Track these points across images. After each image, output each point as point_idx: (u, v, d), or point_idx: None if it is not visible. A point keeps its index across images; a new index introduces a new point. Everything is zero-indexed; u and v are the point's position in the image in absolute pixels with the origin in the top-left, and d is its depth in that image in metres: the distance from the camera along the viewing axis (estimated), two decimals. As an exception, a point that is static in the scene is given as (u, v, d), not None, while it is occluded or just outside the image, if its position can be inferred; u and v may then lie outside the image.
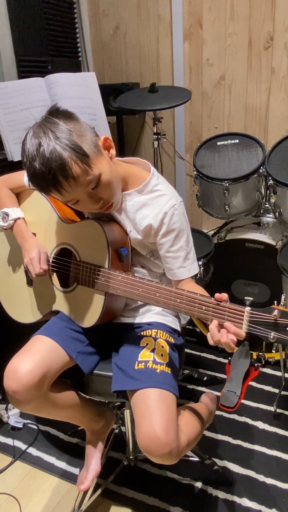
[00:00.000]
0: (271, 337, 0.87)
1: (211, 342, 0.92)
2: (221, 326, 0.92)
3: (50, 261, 1.20)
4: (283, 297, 0.93)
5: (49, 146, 0.92)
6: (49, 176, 0.94)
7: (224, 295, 0.94)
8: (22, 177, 1.26)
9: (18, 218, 1.23)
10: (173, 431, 0.99)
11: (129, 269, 1.17)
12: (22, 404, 1.05)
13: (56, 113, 0.98)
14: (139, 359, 1.09)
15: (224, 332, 0.90)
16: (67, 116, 0.99)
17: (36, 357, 1.05)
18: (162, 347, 1.13)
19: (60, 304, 1.20)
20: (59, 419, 1.21)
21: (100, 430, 1.32)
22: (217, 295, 0.94)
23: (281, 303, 0.91)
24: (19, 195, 1.30)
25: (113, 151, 1.08)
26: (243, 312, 0.91)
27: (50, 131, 0.93)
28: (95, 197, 1.03)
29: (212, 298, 0.95)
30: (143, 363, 1.08)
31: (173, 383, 1.07)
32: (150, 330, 1.17)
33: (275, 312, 0.87)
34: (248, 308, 0.91)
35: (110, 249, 1.08)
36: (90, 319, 1.13)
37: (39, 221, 1.24)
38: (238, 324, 0.91)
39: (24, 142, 0.96)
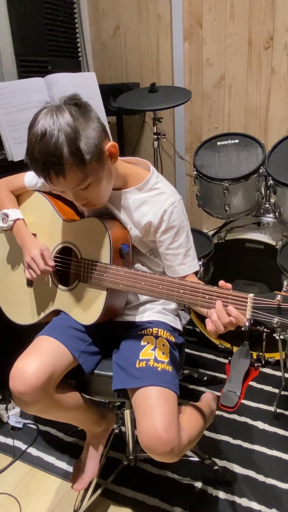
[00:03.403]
0: (275, 322, 0.88)
1: (210, 327, 0.93)
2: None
3: None
4: (285, 283, 0.93)
5: (52, 141, 0.92)
6: (43, 166, 0.95)
7: (228, 284, 0.95)
8: (22, 179, 1.27)
9: (18, 219, 1.23)
10: (174, 429, 0.99)
11: (130, 266, 1.17)
12: (28, 405, 1.04)
13: (75, 105, 0.97)
14: (140, 358, 1.09)
15: (223, 312, 0.91)
16: (82, 112, 0.97)
17: (42, 358, 1.05)
18: (163, 345, 1.13)
19: (61, 302, 1.20)
20: (63, 420, 1.20)
21: (101, 433, 1.32)
22: (221, 282, 0.95)
23: (284, 289, 0.91)
24: (20, 196, 1.30)
25: (114, 159, 1.06)
26: (247, 298, 0.91)
27: (59, 124, 0.93)
28: (80, 197, 1.05)
29: (216, 287, 0.95)
30: (144, 362, 1.08)
31: (174, 381, 1.07)
32: (151, 329, 1.17)
33: (278, 297, 0.88)
34: (251, 294, 0.91)
35: (112, 245, 1.09)
36: (92, 316, 1.13)
37: (40, 221, 1.24)
38: (242, 310, 0.91)
39: (35, 121, 0.95)
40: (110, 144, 1.03)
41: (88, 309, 1.14)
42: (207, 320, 0.95)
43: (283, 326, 0.88)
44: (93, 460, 1.32)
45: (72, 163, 0.94)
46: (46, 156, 0.93)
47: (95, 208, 1.13)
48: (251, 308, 0.91)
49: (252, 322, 0.92)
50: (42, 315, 1.25)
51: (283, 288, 0.92)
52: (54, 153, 0.92)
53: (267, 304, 0.89)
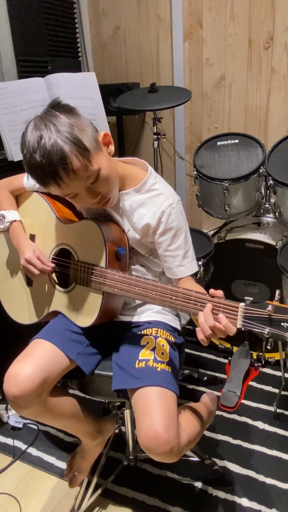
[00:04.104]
0: (266, 332, 0.87)
1: (201, 336, 0.93)
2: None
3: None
4: (277, 292, 0.93)
5: (51, 139, 0.92)
6: (49, 169, 0.94)
7: (219, 292, 0.94)
8: (22, 180, 1.27)
9: (14, 221, 1.23)
10: (174, 429, 0.99)
11: (126, 269, 1.17)
12: (21, 408, 1.05)
13: (58, 107, 0.99)
14: (139, 358, 1.09)
15: (209, 315, 0.91)
16: (69, 110, 0.99)
17: (36, 362, 1.05)
18: (163, 345, 1.13)
19: (59, 304, 1.20)
20: (57, 427, 1.21)
21: (95, 445, 1.30)
22: (211, 290, 0.95)
23: (275, 298, 0.91)
24: (19, 197, 1.31)
25: (112, 147, 1.08)
26: (238, 307, 0.91)
27: (51, 124, 0.93)
28: (93, 192, 1.04)
29: (207, 295, 0.95)
30: (144, 362, 1.08)
31: (173, 381, 1.07)
32: (150, 329, 1.17)
33: (269, 307, 0.87)
34: (242, 304, 0.91)
35: (107, 248, 1.09)
36: (88, 318, 1.13)
37: (38, 222, 1.24)
38: (233, 319, 0.91)
39: (25, 134, 0.96)
40: (103, 134, 1.05)
41: (85, 311, 1.14)
42: (197, 329, 0.94)
43: (274, 337, 0.87)
44: (87, 461, 1.33)
45: (77, 153, 0.94)
46: (49, 157, 0.92)
47: (110, 205, 1.12)
48: (242, 317, 0.90)
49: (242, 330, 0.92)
50: (41, 316, 1.25)
51: (275, 298, 0.91)
52: (56, 150, 0.92)
53: (258, 314, 0.89)
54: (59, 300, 1.20)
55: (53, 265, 1.16)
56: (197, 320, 0.95)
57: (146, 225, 1.13)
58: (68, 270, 1.19)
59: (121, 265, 1.14)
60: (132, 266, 1.21)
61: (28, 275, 1.19)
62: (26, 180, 1.26)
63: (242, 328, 0.91)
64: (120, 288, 1.07)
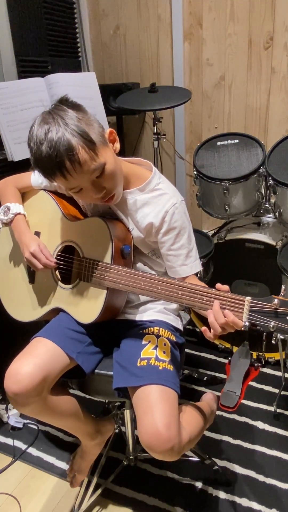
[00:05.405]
0: (271, 326, 0.88)
1: (208, 334, 0.93)
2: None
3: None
4: (283, 287, 0.94)
5: (58, 132, 0.94)
6: (55, 159, 0.95)
7: (225, 286, 0.95)
8: (29, 178, 1.27)
9: (19, 214, 1.24)
10: (175, 427, 0.99)
11: (131, 267, 1.17)
12: (21, 406, 1.05)
13: (66, 102, 1.01)
14: (141, 356, 1.09)
15: (219, 313, 0.91)
16: (76, 106, 1.01)
17: (37, 360, 1.05)
18: (165, 344, 1.14)
19: (61, 300, 1.20)
20: (56, 425, 1.21)
21: (94, 446, 1.30)
22: (218, 285, 0.95)
23: (281, 293, 0.91)
24: (26, 194, 1.31)
25: (117, 145, 1.10)
26: (244, 301, 0.91)
27: (59, 117, 0.95)
28: (99, 186, 1.04)
29: (214, 289, 0.96)
30: (146, 360, 1.08)
31: (175, 380, 1.07)
32: (152, 328, 1.17)
33: (275, 301, 0.88)
34: (248, 298, 0.91)
35: (114, 245, 1.09)
36: (91, 314, 1.13)
37: (44, 219, 1.24)
38: (239, 313, 0.91)
39: (32, 127, 0.98)
40: (108, 131, 1.07)
41: (88, 307, 1.14)
42: (204, 329, 0.95)
43: (279, 330, 0.88)
44: (86, 461, 1.33)
45: (83, 145, 0.95)
46: (56, 148, 0.94)
47: (114, 203, 1.13)
48: (248, 311, 0.91)
49: (249, 325, 0.92)
50: (42, 312, 1.24)
51: (281, 293, 0.92)
52: (64, 141, 0.94)
53: (264, 307, 0.89)
54: (62, 297, 1.20)
55: (56, 261, 1.17)
56: (198, 320, 0.95)
57: (149, 224, 1.14)
58: (71, 266, 1.19)
59: (126, 263, 1.14)
60: (135, 265, 1.22)
61: (32, 268, 1.19)
62: (33, 178, 1.27)
63: (247, 322, 0.91)
64: (125, 283, 1.07)
